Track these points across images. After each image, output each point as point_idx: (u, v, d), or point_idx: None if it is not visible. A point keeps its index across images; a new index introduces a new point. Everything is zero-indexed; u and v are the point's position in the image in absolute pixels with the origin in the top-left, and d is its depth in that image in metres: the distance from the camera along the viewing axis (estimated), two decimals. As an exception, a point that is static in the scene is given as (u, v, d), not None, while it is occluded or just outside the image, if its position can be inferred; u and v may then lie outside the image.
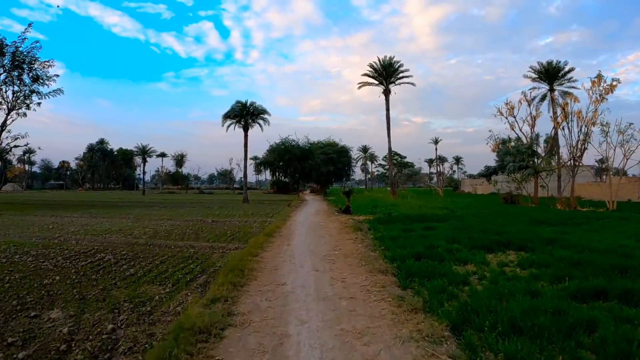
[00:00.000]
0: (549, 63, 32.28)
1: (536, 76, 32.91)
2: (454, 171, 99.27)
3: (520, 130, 29.71)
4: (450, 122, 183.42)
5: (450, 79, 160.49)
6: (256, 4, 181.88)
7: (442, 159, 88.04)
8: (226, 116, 35.34)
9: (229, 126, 35.47)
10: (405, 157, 73.94)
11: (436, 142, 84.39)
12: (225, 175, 79.96)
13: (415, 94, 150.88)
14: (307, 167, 39.12)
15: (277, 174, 49.15)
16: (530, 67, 33.15)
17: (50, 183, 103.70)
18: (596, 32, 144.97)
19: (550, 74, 32.14)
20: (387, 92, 36.30)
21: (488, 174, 68.34)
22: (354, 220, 15.47)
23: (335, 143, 51.31)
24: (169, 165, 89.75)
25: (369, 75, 36.87)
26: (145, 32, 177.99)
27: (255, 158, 60.41)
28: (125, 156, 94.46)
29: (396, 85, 36.73)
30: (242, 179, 39.18)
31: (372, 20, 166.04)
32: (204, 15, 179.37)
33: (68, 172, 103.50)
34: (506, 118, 28.34)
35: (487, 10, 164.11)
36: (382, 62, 36.23)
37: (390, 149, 37.36)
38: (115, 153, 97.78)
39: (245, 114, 34.91)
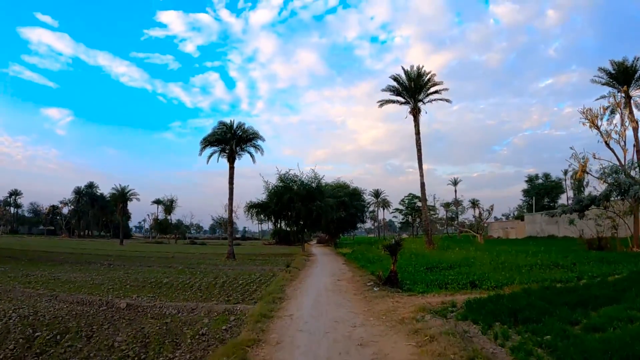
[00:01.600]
0: (622, 63, 25.42)
1: (608, 80, 26.07)
2: (486, 214, 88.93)
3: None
4: (454, 168, 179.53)
5: (454, 125, 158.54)
6: (261, 55, 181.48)
7: (459, 203, 78.59)
8: (205, 141, 26.87)
9: (210, 156, 27.07)
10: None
11: (455, 183, 75.33)
12: (221, 224, 71.30)
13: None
14: (315, 211, 29.51)
15: (278, 221, 40.35)
16: (601, 69, 26.23)
17: (40, 228, 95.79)
18: (596, 72, 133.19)
19: (628, 74, 25.12)
20: (415, 112, 28.46)
21: (518, 216, 59.05)
22: (420, 310, 6.62)
23: (346, 185, 43.16)
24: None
25: (392, 91, 29.28)
26: (152, 82, 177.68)
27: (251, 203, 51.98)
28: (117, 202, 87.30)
29: (425, 103, 28.89)
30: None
31: (375, 70, 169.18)
32: (210, 66, 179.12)
33: (58, 217, 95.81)
34: (597, 128, 19.99)
35: (488, 55, 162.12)
36: (408, 74, 28.55)
37: (423, 184, 28.69)
38: (108, 198, 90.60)
39: (230, 139, 26.48)
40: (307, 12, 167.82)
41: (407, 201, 69.53)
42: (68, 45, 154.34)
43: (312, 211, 28.35)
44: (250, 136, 27.35)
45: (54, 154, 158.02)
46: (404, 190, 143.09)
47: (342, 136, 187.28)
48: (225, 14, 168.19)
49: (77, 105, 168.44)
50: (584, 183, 46.01)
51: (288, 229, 39.95)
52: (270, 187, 29.98)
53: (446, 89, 28.55)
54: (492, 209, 62.76)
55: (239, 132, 27.00)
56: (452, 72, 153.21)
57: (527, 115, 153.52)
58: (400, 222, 76.62)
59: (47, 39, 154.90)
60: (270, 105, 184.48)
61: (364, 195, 44.71)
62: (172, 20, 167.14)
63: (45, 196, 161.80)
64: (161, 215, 76.87)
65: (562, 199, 62.28)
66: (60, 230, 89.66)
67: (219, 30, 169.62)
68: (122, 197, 58.86)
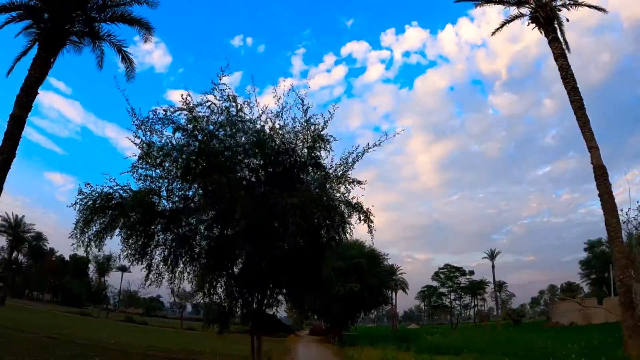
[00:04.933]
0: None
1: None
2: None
3: None
4: (453, 257, 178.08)
5: (453, 214, 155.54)
6: None
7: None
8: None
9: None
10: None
11: (492, 256, 58.98)
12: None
13: (418, 232, 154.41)
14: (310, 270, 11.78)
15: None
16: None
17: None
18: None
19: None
20: (550, 25, 15.69)
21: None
22: None
23: (361, 244, 29.00)
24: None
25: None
26: None
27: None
28: (78, 265, 71.89)
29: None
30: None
31: (376, 159, 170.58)
32: None
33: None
34: None
35: (487, 145, 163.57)
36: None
37: (600, 171, 14.70)
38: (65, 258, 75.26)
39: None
40: (312, 100, 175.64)
41: (445, 274, 52.28)
42: (78, 113, 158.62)
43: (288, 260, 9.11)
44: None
45: (52, 219, 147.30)
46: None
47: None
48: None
49: (81, 173, 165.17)
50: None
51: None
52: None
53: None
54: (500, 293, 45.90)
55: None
56: (452, 161, 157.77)
57: (526, 204, 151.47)
58: (433, 306, 57.02)
59: (58, 105, 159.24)
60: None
61: (386, 262, 29.91)
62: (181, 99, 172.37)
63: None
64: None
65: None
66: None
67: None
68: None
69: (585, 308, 39.16)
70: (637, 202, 15.73)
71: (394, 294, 64.08)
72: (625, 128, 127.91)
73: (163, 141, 8.17)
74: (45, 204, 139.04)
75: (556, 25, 16.17)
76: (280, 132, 8.43)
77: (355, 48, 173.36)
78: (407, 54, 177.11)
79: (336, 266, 25.21)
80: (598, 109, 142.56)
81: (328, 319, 28.45)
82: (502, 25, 17.53)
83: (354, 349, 21.85)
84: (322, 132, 8.27)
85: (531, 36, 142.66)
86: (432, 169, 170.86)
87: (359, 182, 8.58)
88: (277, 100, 8.42)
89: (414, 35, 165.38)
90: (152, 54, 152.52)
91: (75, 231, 8.05)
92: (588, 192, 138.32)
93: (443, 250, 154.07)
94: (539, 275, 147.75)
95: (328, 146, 8.42)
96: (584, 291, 58.18)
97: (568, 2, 16.21)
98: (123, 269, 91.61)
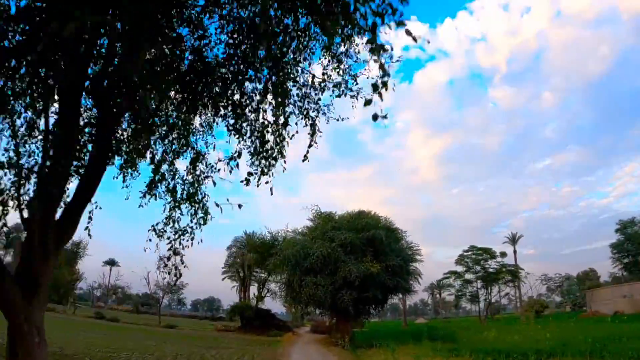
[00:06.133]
0: None
1: None
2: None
3: None
4: (455, 250, 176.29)
5: (453, 208, 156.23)
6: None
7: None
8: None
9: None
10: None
11: (514, 240, 49.13)
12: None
13: (419, 225, 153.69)
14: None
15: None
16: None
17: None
18: (592, 150, 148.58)
19: None
20: None
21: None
22: None
23: (375, 216, 22.71)
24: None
25: None
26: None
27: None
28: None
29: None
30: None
31: (376, 154, 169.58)
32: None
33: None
34: None
35: (486, 139, 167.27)
36: None
37: None
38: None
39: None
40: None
41: (473, 258, 44.57)
42: None
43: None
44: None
45: None
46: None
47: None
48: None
49: None
50: None
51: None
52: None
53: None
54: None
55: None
56: (452, 155, 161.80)
57: (526, 197, 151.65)
58: (457, 295, 49.54)
59: None
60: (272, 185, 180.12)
61: (405, 238, 23.35)
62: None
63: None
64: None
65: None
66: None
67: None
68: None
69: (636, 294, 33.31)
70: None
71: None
72: (625, 120, 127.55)
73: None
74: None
75: None
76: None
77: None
78: (406, 48, 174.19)
79: (344, 239, 18.85)
80: (597, 102, 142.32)
81: (336, 313, 21.86)
82: None
83: (372, 355, 15.40)
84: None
85: (530, 29, 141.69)
86: (432, 163, 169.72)
87: None
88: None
89: (413, 30, 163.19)
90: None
91: None
92: (588, 185, 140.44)
93: (443, 244, 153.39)
94: (539, 267, 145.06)
95: None
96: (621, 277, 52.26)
97: None
98: (112, 262, 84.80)
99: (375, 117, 2.62)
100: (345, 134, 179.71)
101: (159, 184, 4.97)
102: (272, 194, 5.08)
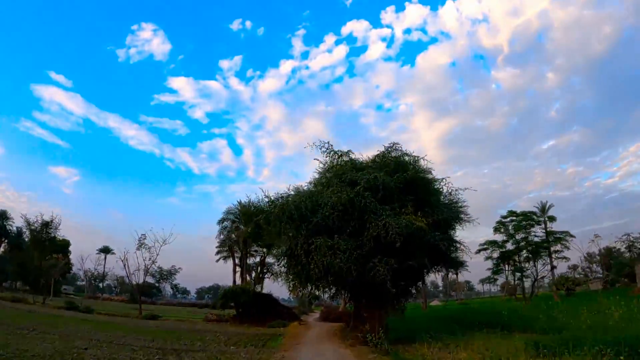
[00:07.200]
0: None
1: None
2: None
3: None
4: (461, 233, 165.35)
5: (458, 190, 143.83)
6: (269, 123, 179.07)
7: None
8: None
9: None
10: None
11: (544, 210, 41.29)
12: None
13: None
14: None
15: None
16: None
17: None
18: (596, 130, 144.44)
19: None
20: None
21: None
22: None
23: (415, 157, 15.29)
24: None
25: None
26: (160, 147, 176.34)
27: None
28: (55, 247, 58.35)
29: None
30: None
31: (380, 137, 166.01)
32: (218, 132, 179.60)
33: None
34: None
35: (490, 120, 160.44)
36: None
37: None
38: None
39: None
40: (314, 81, 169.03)
41: (515, 225, 37.38)
42: (79, 106, 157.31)
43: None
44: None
45: (59, 212, 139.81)
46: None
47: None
48: (234, 81, 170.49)
49: (85, 165, 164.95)
50: None
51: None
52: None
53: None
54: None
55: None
56: (456, 138, 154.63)
57: (531, 178, 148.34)
58: (495, 271, 42.16)
59: (59, 98, 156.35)
60: (276, 173, 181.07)
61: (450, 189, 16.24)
62: (183, 86, 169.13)
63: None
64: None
65: None
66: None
67: (228, 98, 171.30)
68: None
69: None
70: None
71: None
72: (629, 100, 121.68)
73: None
74: (51, 198, 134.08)
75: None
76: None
77: (356, 27, 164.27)
78: (408, 31, 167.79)
79: (373, 179, 12.24)
80: (601, 82, 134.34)
81: (363, 292, 14.71)
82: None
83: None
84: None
85: (532, 9, 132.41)
86: (436, 145, 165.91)
87: None
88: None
89: (415, 12, 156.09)
90: (151, 41, 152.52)
91: None
92: (592, 165, 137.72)
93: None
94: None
95: None
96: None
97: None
98: (106, 250, 78.95)
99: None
100: (347, 117, 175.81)
101: None
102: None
